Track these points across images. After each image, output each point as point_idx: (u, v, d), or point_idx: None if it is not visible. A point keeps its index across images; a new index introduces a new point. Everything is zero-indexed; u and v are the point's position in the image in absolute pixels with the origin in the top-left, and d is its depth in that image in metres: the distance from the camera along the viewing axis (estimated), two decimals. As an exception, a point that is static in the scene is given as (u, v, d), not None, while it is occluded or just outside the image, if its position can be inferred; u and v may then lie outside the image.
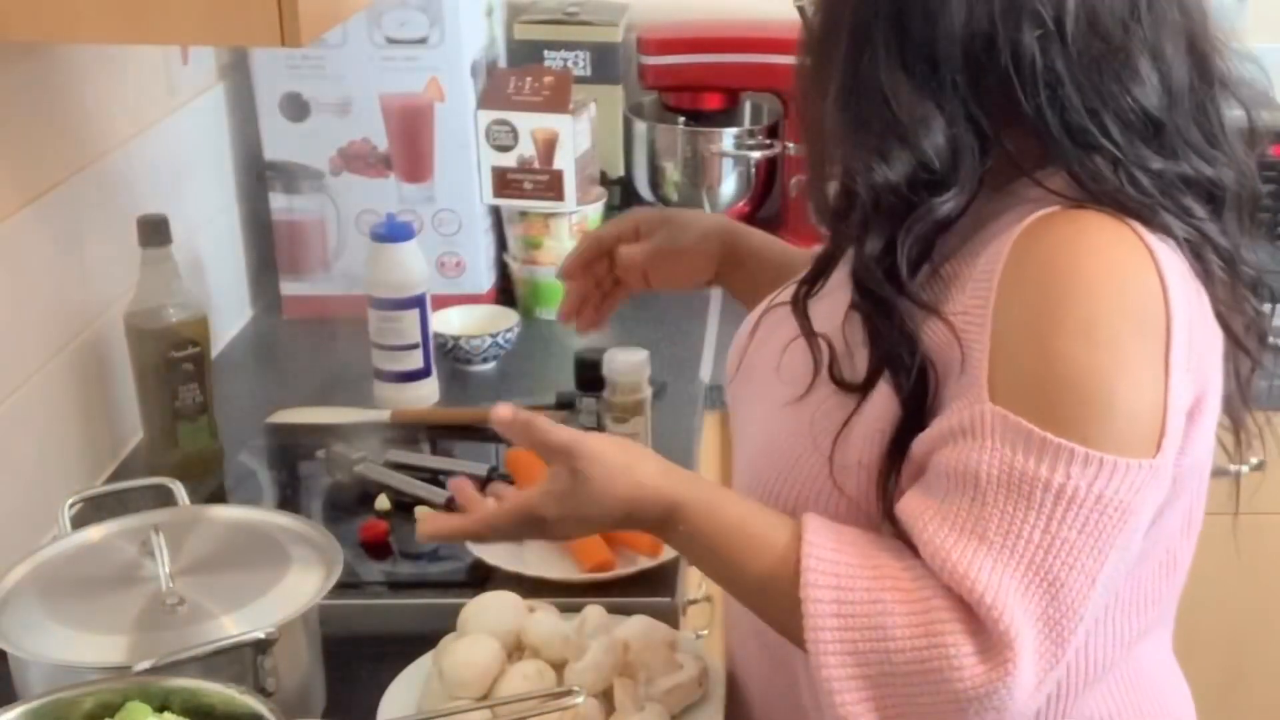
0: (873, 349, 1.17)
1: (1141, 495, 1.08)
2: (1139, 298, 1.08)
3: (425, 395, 2.01)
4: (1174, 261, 1.11)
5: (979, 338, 1.11)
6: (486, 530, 1.27)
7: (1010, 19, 1.10)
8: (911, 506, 1.13)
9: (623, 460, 1.20)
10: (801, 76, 1.23)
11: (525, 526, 1.24)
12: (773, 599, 1.15)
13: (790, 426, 1.25)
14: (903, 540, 1.14)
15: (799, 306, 1.26)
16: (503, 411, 1.24)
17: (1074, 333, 1.07)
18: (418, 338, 1.99)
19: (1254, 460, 2.28)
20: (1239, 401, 1.22)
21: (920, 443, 1.14)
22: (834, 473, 1.20)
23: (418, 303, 1.98)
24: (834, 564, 1.12)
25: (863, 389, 1.18)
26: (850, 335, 1.20)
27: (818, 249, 1.31)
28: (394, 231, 1.99)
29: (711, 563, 1.21)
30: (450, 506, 1.74)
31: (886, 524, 1.17)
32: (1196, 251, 1.14)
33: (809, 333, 1.24)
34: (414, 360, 1.99)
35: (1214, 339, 1.16)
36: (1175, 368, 1.08)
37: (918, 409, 1.15)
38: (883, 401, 1.17)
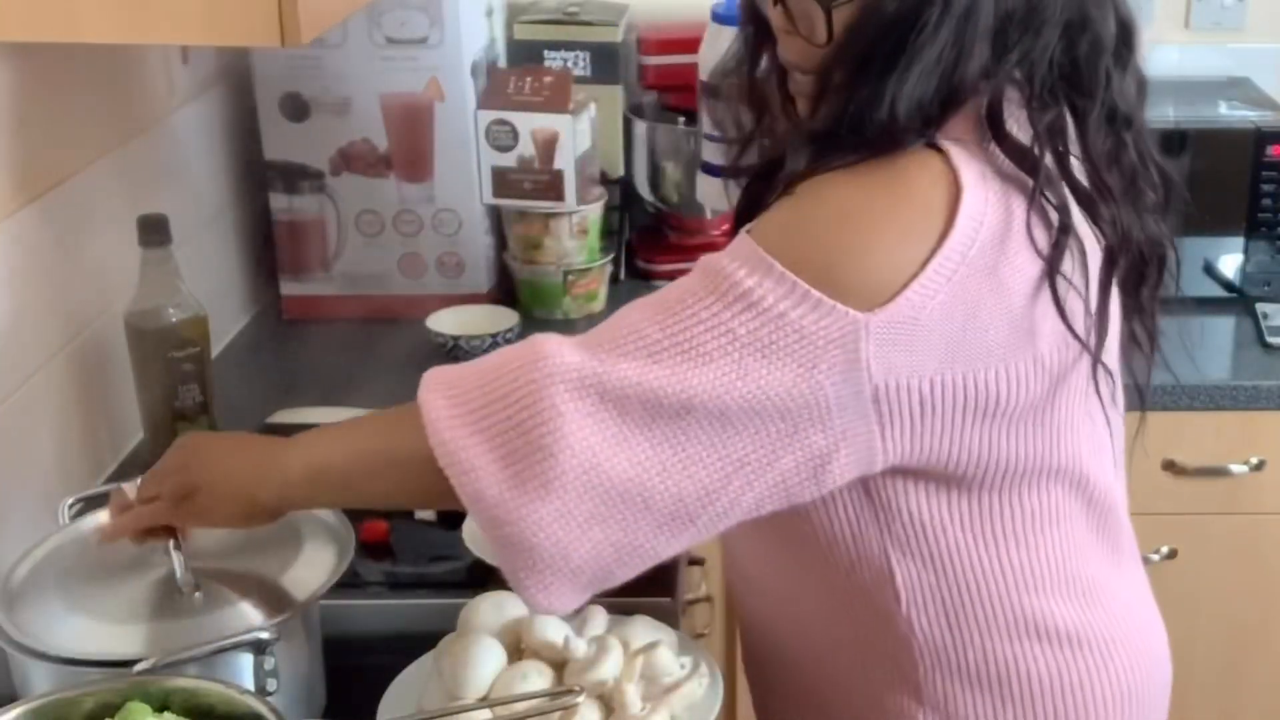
0: None
1: (827, 335, 1.12)
2: (919, 204, 1.14)
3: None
4: (979, 192, 1.14)
5: None
6: (133, 521, 1.34)
7: None
8: None
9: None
10: None
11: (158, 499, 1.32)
12: (400, 439, 1.21)
13: None
14: None
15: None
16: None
17: (833, 200, 1.15)
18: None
19: (1254, 460, 2.30)
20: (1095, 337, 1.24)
21: None
22: None
23: None
24: (445, 372, 1.20)
25: None
26: None
27: None
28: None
29: (352, 473, 1.27)
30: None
31: None
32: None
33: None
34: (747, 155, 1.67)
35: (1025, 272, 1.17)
36: (932, 271, 1.12)
37: None
38: None
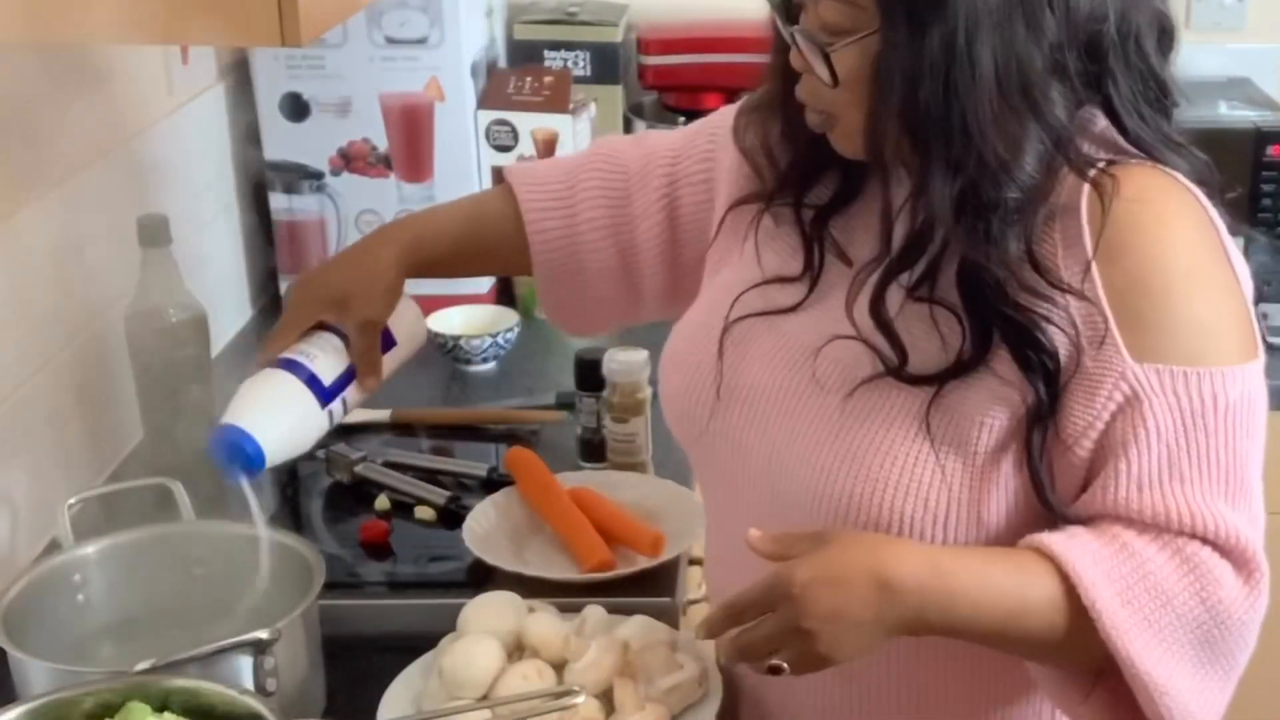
0: (1001, 337, 1.17)
1: (1264, 390, 1.19)
2: (1204, 231, 1.20)
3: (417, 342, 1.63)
4: (1201, 192, 1.22)
5: (1097, 308, 1.16)
6: (732, 610, 1.15)
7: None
8: (1096, 499, 1.17)
9: (860, 532, 1.20)
10: (909, 79, 1.14)
11: (773, 600, 1.13)
12: (1062, 616, 1.14)
13: (899, 416, 1.21)
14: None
15: (880, 311, 1.22)
16: (755, 538, 1.18)
17: (1180, 280, 1.17)
18: None
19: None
20: None
21: (1082, 436, 1.16)
22: (936, 445, 1.19)
23: (330, 403, 1.45)
24: (1092, 558, 1.14)
25: (950, 375, 1.18)
26: (946, 330, 1.19)
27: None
28: (246, 454, 1.39)
29: (993, 607, 1.15)
30: (449, 506, 1.74)
31: (1044, 520, 1.18)
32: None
33: (893, 338, 1.21)
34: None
35: None
36: (1241, 277, 1.21)
37: (1053, 392, 1.16)
38: (996, 389, 1.18)
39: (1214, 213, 1.21)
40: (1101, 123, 1.21)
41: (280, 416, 1.41)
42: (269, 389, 1.42)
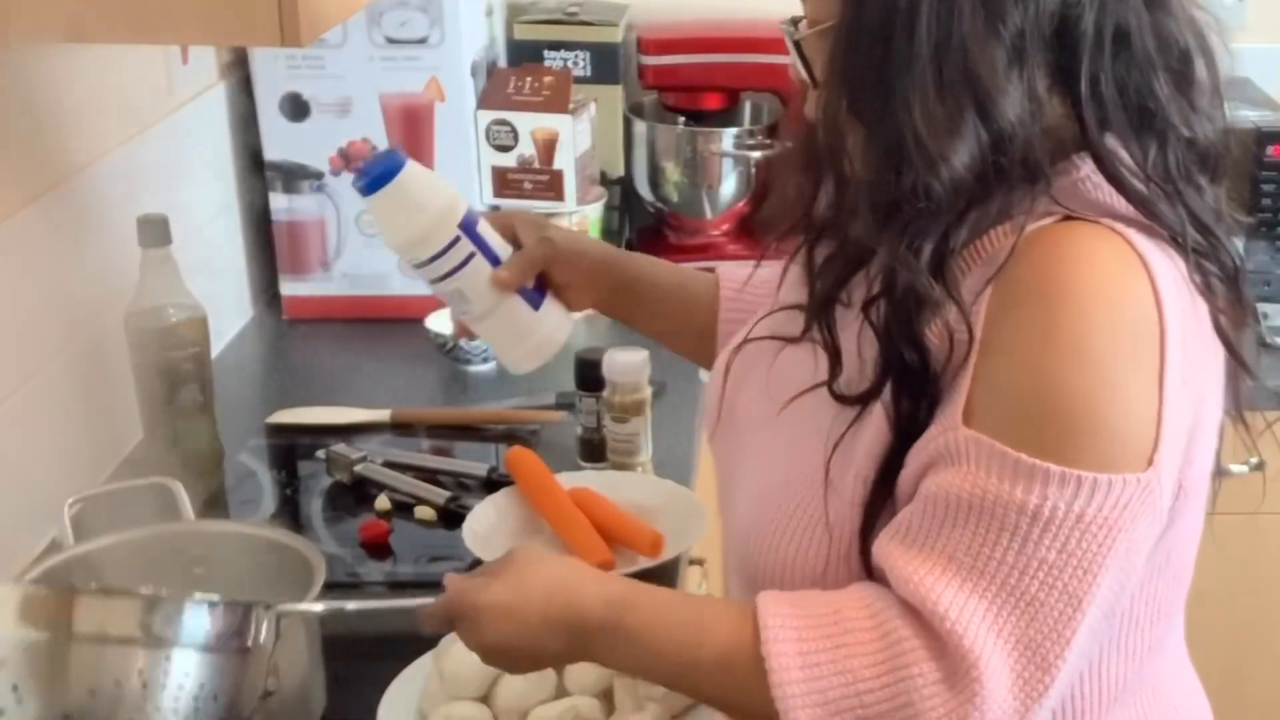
0: (886, 358, 1.11)
1: (1130, 510, 1.04)
2: (1132, 315, 1.04)
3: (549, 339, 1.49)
4: (1168, 273, 1.07)
5: (967, 354, 1.07)
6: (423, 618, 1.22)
7: None
8: (882, 541, 1.10)
9: (546, 553, 1.21)
10: (848, 61, 1.08)
11: (450, 617, 1.20)
12: (735, 672, 1.10)
13: (805, 455, 1.18)
14: (872, 578, 1.12)
15: (825, 316, 1.17)
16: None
17: (1064, 353, 1.03)
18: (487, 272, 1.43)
19: (1254, 460, 2.30)
20: (1234, 406, 1.19)
21: (904, 477, 1.11)
22: (828, 492, 1.14)
23: (464, 235, 1.42)
24: (793, 618, 1.08)
25: (864, 399, 1.13)
26: (864, 347, 1.13)
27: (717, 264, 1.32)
28: (379, 170, 1.39)
29: (662, 655, 1.13)
30: (449, 506, 1.75)
31: (859, 559, 1.13)
32: (1200, 255, 1.11)
33: (831, 346, 1.16)
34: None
35: (1210, 349, 1.13)
36: (1170, 384, 1.05)
37: (911, 427, 1.10)
38: (874, 437, 1.12)
39: (1171, 301, 1.05)
40: (1083, 171, 1.09)
41: (434, 184, 1.42)
42: (447, 184, 1.44)
